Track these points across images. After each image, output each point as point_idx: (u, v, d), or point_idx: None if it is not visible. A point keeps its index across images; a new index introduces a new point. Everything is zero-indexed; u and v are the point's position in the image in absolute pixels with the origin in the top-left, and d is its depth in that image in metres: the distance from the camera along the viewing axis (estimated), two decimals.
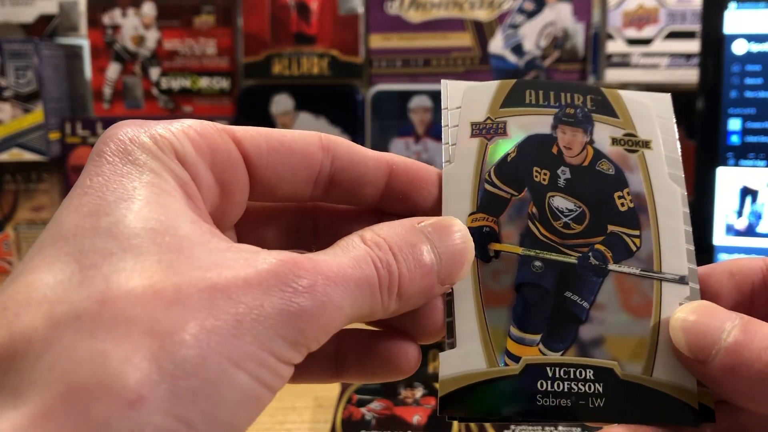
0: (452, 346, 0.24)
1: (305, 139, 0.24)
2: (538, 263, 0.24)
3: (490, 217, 0.25)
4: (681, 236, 0.25)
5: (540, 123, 0.26)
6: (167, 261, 0.18)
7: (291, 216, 0.27)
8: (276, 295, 0.18)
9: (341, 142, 0.24)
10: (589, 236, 0.25)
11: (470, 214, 0.25)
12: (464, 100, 0.26)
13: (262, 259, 0.19)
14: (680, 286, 0.24)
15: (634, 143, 0.26)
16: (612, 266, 0.24)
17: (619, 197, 0.25)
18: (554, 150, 0.25)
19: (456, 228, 0.23)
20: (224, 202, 0.23)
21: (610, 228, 0.25)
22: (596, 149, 0.26)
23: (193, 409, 0.16)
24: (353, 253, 0.21)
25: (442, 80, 0.27)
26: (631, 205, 0.25)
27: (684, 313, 0.23)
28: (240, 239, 0.26)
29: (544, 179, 0.25)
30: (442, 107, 0.26)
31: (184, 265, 0.18)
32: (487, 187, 0.25)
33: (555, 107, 0.26)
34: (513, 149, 0.25)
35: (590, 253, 0.25)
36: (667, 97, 0.27)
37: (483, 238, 0.24)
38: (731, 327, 0.22)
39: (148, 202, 0.19)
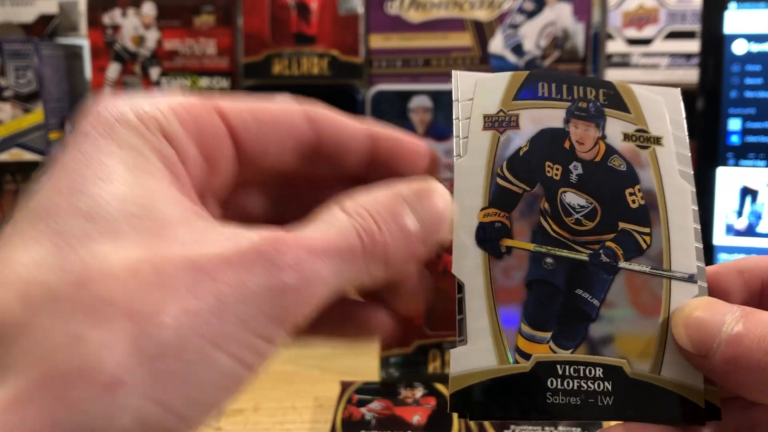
0: (463, 343, 0.24)
1: (290, 111, 0.23)
2: (549, 260, 0.24)
3: (502, 212, 0.25)
4: (690, 234, 0.25)
5: (552, 116, 0.26)
6: (146, 243, 0.17)
7: (277, 187, 0.26)
8: (259, 272, 0.18)
9: (325, 113, 0.24)
10: (601, 233, 0.25)
11: (482, 209, 0.24)
12: (476, 91, 0.26)
13: (245, 237, 0.19)
14: (689, 285, 0.24)
15: (645, 139, 0.26)
16: (622, 264, 0.24)
17: (630, 194, 0.25)
18: (566, 145, 0.25)
19: (435, 189, 0.23)
20: (211, 177, 0.22)
21: (621, 225, 0.25)
22: (608, 145, 0.25)
23: (173, 392, 0.16)
24: (336, 225, 0.20)
25: (453, 71, 0.26)
26: (642, 202, 0.25)
27: (685, 309, 0.23)
28: (225, 212, 0.25)
29: (556, 174, 0.25)
30: (453, 99, 0.26)
31: (164, 246, 0.18)
32: (499, 181, 0.25)
33: (567, 101, 0.26)
34: (525, 143, 0.25)
35: (601, 251, 0.24)
36: (676, 93, 0.27)
37: (495, 233, 0.24)
38: (731, 319, 0.22)
39: (129, 182, 0.18)
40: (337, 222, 0.21)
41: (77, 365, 0.15)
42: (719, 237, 0.64)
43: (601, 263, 0.24)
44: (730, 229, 0.64)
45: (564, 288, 0.24)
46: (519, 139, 0.25)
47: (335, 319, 0.24)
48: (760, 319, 0.22)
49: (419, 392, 0.55)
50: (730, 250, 0.64)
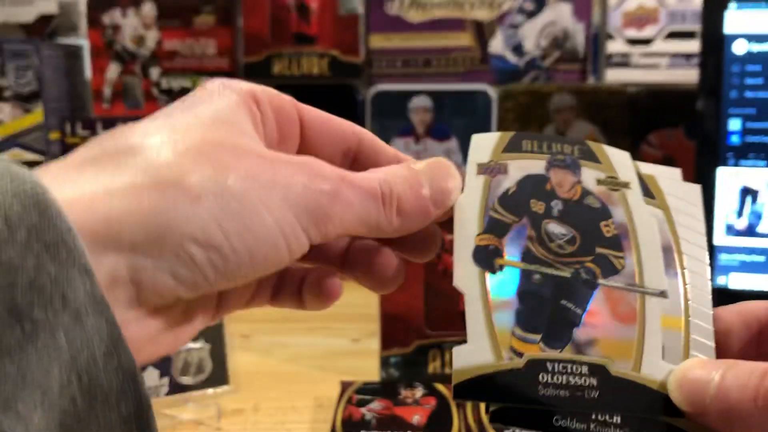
0: (464, 342, 0.27)
1: (343, 123, 0.30)
2: (537, 276, 0.28)
3: (495, 237, 0.29)
4: (659, 259, 0.29)
5: (535, 165, 0.31)
6: (227, 134, 0.24)
7: None
8: (304, 174, 0.24)
9: (367, 133, 0.30)
10: (581, 255, 0.29)
11: (477, 235, 0.29)
12: (472, 146, 0.31)
13: (297, 156, 0.26)
14: (661, 300, 0.28)
15: (615, 184, 0.31)
16: (601, 280, 0.28)
17: (605, 225, 0.30)
18: (548, 187, 0.30)
19: (444, 163, 0.29)
20: (279, 148, 0.28)
21: (598, 250, 0.29)
22: (584, 188, 0.30)
23: (231, 223, 0.22)
24: (361, 175, 0.26)
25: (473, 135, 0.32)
26: (615, 232, 0.29)
27: (677, 372, 0.26)
28: None
29: (540, 209, 0.30)
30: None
31: (240, 139, 0.24)
32: (492, 214, 0.29)
33: (548, 153, 0.31)
34: (513, 185, 0.30)
35: (582, 269, 0.28)
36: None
37: (489, 254, 0.29)
38: (717, 376, 0.24)
39: (224, 109, 0.26)
40: (364, 174, 0.27)
41: (174, 179, 0.22)
42: (719, 237, 0.64)
43: (582, 279, 0.28)
44: (731, 229, 0.64)
45: (551, 299, 0.28)
46: (507, 182, 0.30)
47: (359, 259, 0.30)
48: (741, 370, 0.23)
49: (419, 392, 0.55)
50: (730, 250, 0.64)
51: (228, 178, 0.22)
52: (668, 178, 0.32)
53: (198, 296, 0.23)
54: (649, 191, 0.31)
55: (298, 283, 0.30)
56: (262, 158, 0.24)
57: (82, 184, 0.21)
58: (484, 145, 0.31)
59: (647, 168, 0.32)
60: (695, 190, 0.32)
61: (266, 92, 0.28)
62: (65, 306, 0.19)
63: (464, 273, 0.28)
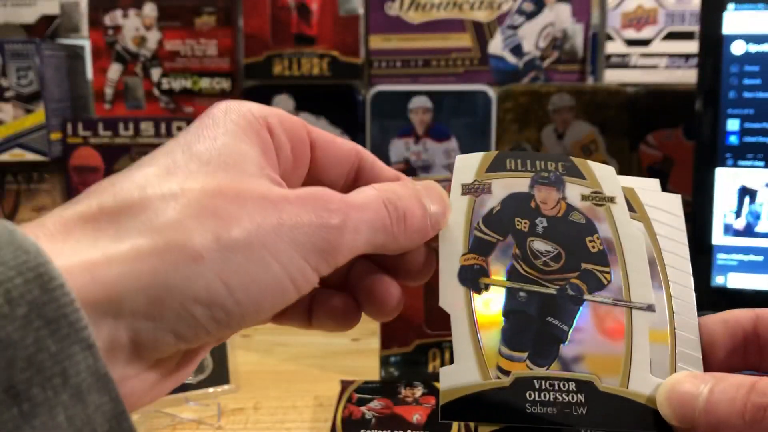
0: (451, 362, 0.27)
1: (346, 143, 0.30)
2: (522, 294, 0.28)
3: (480, 257, 0.29)
4: (646, 273, 0.29)
5: (520, 184, 0.31)
6: (231, 178, 0.24)
7: None
8: (310, 210, 0.24)
9: (368, 155, 0.31)
10: (566, 272, 0.29)
11: (463, 255, 0.29)
12: (456, 166, 0.31)
13: (302, 189, 0.25)
14: (648, 313, 0.28)
15: (600, 199, 0.30)
16: (587, 296, 0.28)
17: (590, 241, 0.30)
18: (532, 204, 0.30)
19: (438, 185, 0.29)
20: (294, 171, 0.29)
21: (584, 266, 0.29)
22: (568, 204, 0.30)
23: (235, 278, 0.22)
24: (368, 195, 0.26)
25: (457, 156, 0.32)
26: (601, 247, 0.29)
27: (666, 386, 0.26)
28: None
29: (524, 227, 0.30)
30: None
31: (243, 182, 0.24)
32: (477, 233, 0.30)
33: (532, 171, 0.31)
34: (497, 204, 0.30)
35: (567, 286, 0.29)
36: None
37: (475, 273, 0.29)
38: (705, 389, 0.24)
39: (228, 144, 0.25)
40: (368, 194, 0.26)
41: (174, 241, 0.21)
42: (717, 237, 0.64)
43: (568, 296, 0.28)
44: (729, 229, 0.64)
45: (537, 316, 0.28)
46: (492, 201, 0.30)
47: (360, 285, 0.29)
48: (728, 384, 0.24)
49: (419, 391, 0.56)
50: (728, 249, 0.64)
51: (230, 230, 0.22)
52: (647, 189, 0.31)
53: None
54: (630, 204, 0.31)
55: (307, 302, 0.29)
56: (266, 201, 0.23)
57: (81, 250, 0.21)
58: (467, 165, 0.31)
59: (625, 181, 0.31)
60: (676, 200, 0.31)
61: (279, 116, 0.27)
62: (65, 383, 0.18)
63: (450, 293, 0.28)
